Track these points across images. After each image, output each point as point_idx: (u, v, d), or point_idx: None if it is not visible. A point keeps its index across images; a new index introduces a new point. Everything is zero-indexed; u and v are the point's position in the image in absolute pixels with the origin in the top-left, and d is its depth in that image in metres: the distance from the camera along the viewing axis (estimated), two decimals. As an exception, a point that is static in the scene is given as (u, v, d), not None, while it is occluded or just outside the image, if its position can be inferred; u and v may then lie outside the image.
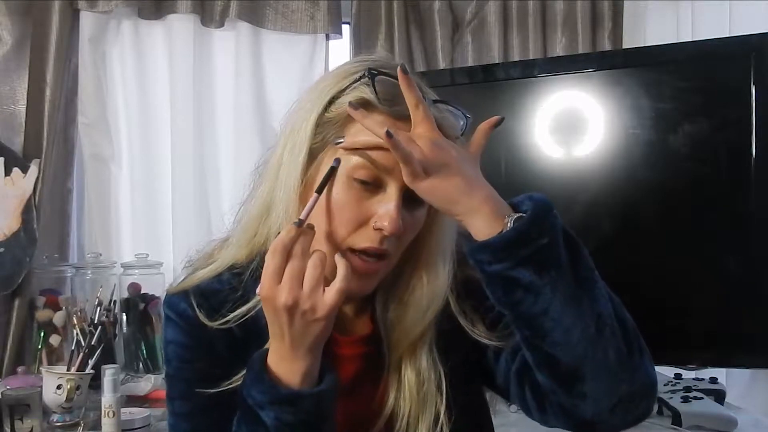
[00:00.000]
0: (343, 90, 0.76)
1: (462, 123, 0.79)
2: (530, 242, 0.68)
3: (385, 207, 0.74)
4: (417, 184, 0.71)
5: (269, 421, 0.69)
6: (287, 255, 0.69)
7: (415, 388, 0.79)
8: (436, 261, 0.82)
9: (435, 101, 0.78)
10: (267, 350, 0.73)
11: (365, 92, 0.75)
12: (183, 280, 0.83)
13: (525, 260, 0.68)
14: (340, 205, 0.75)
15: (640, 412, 0.73)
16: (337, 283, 0.70)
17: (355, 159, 0.74)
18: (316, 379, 0.72)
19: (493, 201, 0.71)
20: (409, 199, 0.74)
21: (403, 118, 0.74)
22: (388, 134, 0.68)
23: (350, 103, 0.74)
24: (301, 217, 0.72)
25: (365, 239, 0.75)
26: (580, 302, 0.68)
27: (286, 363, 0.71)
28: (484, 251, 0.70)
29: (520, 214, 0.69)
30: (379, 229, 0.74)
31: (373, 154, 0.73)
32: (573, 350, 0.69)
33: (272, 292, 0.68)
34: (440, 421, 0.78)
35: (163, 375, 0.84)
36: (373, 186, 0.75)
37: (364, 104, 0.75)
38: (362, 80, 0.76)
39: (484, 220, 0.70)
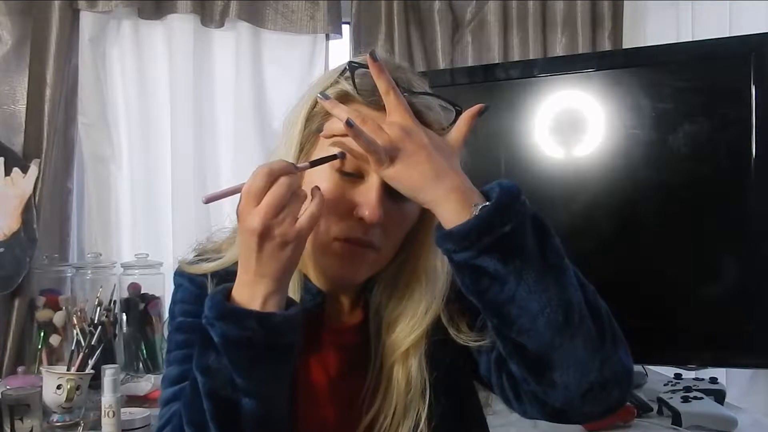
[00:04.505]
0: (330, 84, 0.78)
1: (451, 115, 0.78)
2: (493, 230, 0.67)
3: (366, 196, 0.74)
4: (383, 171, 0.71)
5: (216, 338, 0.68)
6: (271, 181, 0.67)
7: (403, 393, 0.79)
8: (435, 263, 0.82)
9: (421, 93, 0.78)
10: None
11: (345, 85, 0.77)
12: (191, 263, 0.84)
13: (489, 248, 0.67)
14: (325, 197, 0.74)
15: (613, 401, 0.72)
16: (310, 208, 0.70)
17: (336, 151, 0.75)
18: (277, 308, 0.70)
19: (462, 189, 0.70)
20: (395, 191, 0.74)
21: (383, 108, 0.74)
22: (348, 123, 0.69)
23: (319, 94, 0.75)
24: (298, 164, 0.71)
25: (349, 229, 0.76)
26: (547, 290, 0.68)
27: (247, 288, 0.69)
28: (449, 240, 0.69)
29: (488, 203, 0.68)
30: (361, 219, 0.74)
31: (352, 144, 0.72)
32: (540, 338, 0.68)
33: (247, 211, 0.67)
34: (420, 428, 0.78)
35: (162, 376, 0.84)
36: (356, 177, 0.76)
37: (344, 96, 0.76)
38: (344, 74, 0.78)
39: (452, 209, 0.69)
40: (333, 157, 0.74)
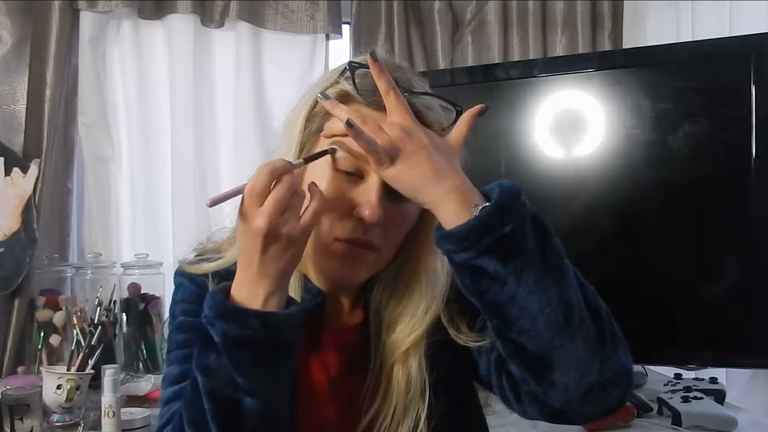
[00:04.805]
0: (330, 84, 0.78)
1: (451, 115, 0.78)
2: (493, 231, 0.67)
3: (366, 196, 0.75)
4: (383, 171, 0.71)
5: (216, 337, 0.67)
6: (274, 180, 0.67)
7: (403, 393, 0.79)
8: (435, 263, 0.82)
9: (421, 93, 0.78)
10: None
11: (346, 85, 0.77)
12: (191, 263, 0.84)
13: (489, 249, 0.67)
14: (325, 197, 0.74)
15: (613, 402, 0.72)
16: (312, 204, 0.70)
17: (337, 151, 0.75)
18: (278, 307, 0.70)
19: (462, 190, 0.70)
20: (395, 191, 0.74)
21: (383, 108, 0.74)
22: (348, 123, 0.69)
23: (319, 94, 0.75)
24: (293, 162, 0.71)
25: (349, 229, 0.76)
26: (547, 290, 0.68)
27: (247, 287, 0.69)
28: (449, 240, 0.69)
29: (488, 204, 0.68)
30: (361, 219, 0.74)
31: (352, 144, 0.72)
32: (540, 339, 0.68)
33: (251, 211, 0.67)
34: (419, 429, 0.78)
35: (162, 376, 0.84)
36: (356, 176, 0.76)
37: (344, 96, 0.76)
38: (345, 74, 0.78)
39: (452, 209, 0.69)
40: (325, 152, 0.75)
